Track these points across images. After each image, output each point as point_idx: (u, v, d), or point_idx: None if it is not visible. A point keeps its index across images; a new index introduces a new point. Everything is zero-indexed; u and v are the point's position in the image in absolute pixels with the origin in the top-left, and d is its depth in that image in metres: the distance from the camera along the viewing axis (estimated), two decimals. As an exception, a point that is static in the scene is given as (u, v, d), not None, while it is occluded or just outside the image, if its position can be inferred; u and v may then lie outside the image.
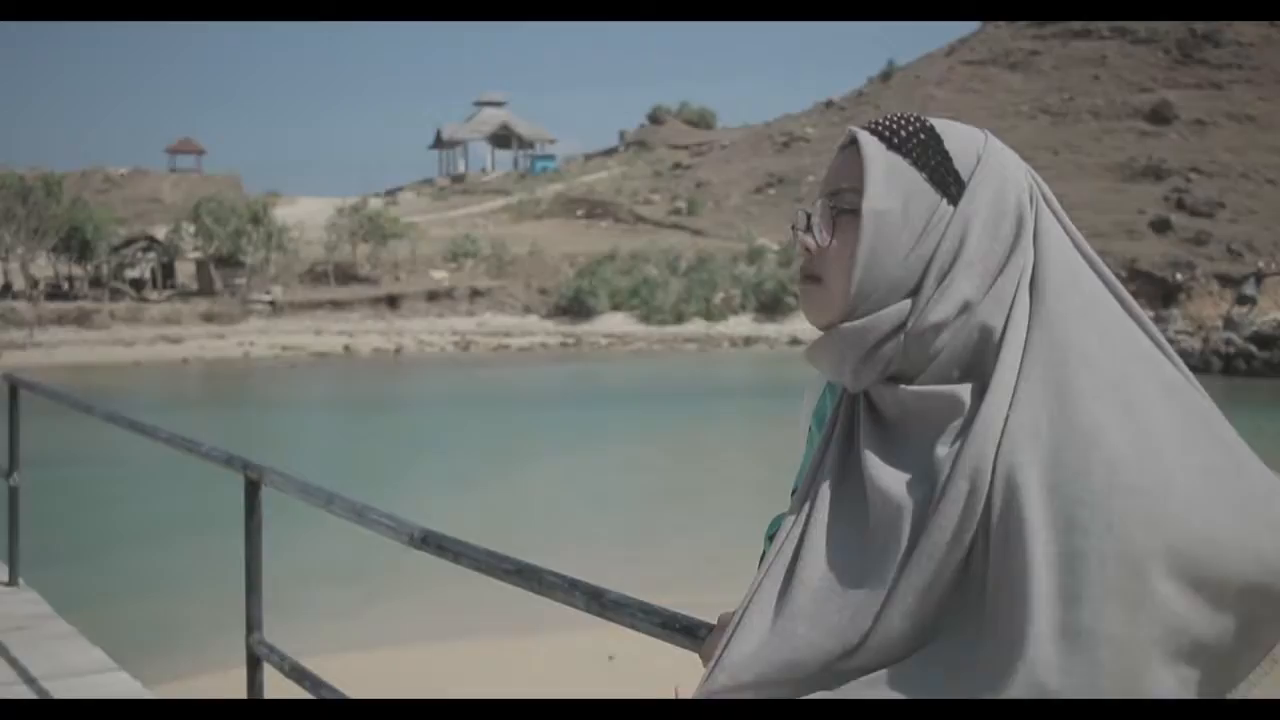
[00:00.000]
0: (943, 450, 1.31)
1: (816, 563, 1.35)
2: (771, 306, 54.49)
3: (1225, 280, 52.47)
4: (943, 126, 1.47)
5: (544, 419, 28.46)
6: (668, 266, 57.74)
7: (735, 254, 59.65)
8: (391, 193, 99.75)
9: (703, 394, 33.31)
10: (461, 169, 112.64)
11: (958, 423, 1.33)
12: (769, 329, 52.46)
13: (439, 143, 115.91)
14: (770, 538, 1.55)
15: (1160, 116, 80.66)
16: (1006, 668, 1.20)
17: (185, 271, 59.38)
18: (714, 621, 1.97)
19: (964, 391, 1.34)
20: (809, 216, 1.48)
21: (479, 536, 2.86)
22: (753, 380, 38.45)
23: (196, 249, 58.76)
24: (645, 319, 54.14)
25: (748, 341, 50.58)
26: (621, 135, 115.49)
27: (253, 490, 3.72)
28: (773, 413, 28.97)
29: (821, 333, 1.49)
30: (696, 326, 53.50)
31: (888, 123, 1.47)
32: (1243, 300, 41.35)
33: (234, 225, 57.11)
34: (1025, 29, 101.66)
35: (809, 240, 1.46)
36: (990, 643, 1.23)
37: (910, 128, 1.45)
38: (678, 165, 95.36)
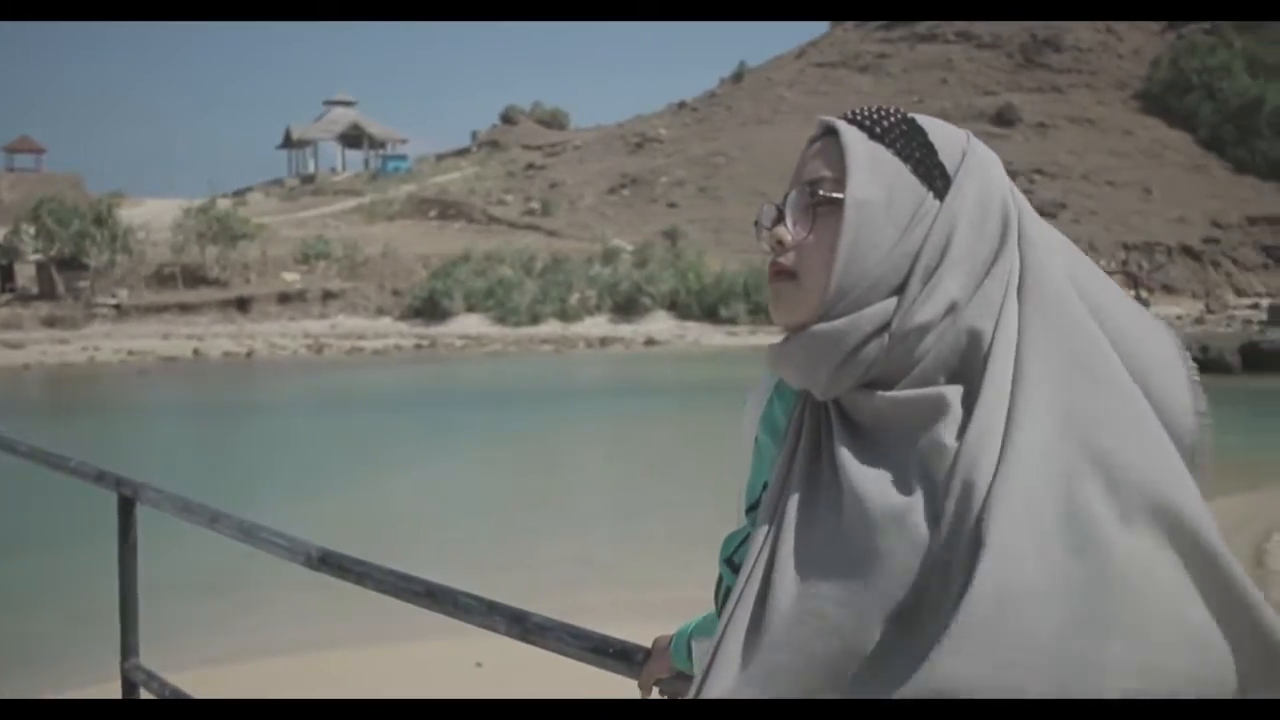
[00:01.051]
0: (930, 463, 1.23)
1: (790, 586, 1.25)
2: (627, 307, 54.59)
3: (1068, 279, 53.79)
4: (924, 120, 1.40)
5: (400, 422, 28.17)
6: (522, 267, 57.52)
7: (590, 255, 59.66)
8: (240, 193, 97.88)
9: (560, 395, 33.26)
10: (311, 169, 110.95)
11: (946, 433, 1.24)
12: (625, 329, 52.54)
13: (288, 142, 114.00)
14: (727, 561, 1.45)
15: (1004, 119, 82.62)
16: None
17: (25, 274, 57.49)
18: (648, 645, 1.92)
19: (953, 396, 1.26)
20: (779, 209, 1.40)
21: (336, 542, 2.76)
22: (610, 381, 38.50)
23: (37, 251, 56.97)
24: (501, 320, 53.86)
25: (604, 342, 50.56)
26: (474, 135, 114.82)
27: (126, 509, 3.47)
28: (631, 413, 29.09)
29: (784, 335, 1.40)
30: (552, 327, 53.37)
31: (866, 113, 1.40)
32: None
33: (77, 226, 55.47)
34: (874, 32, 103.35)
35: (782, 233, 1.37)
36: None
37: (891, 118, 1.39)
38: (531, 166, 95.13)
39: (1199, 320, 53.14)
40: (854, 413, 1.32)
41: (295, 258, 59.52)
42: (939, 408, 1.25)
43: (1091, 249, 59.33)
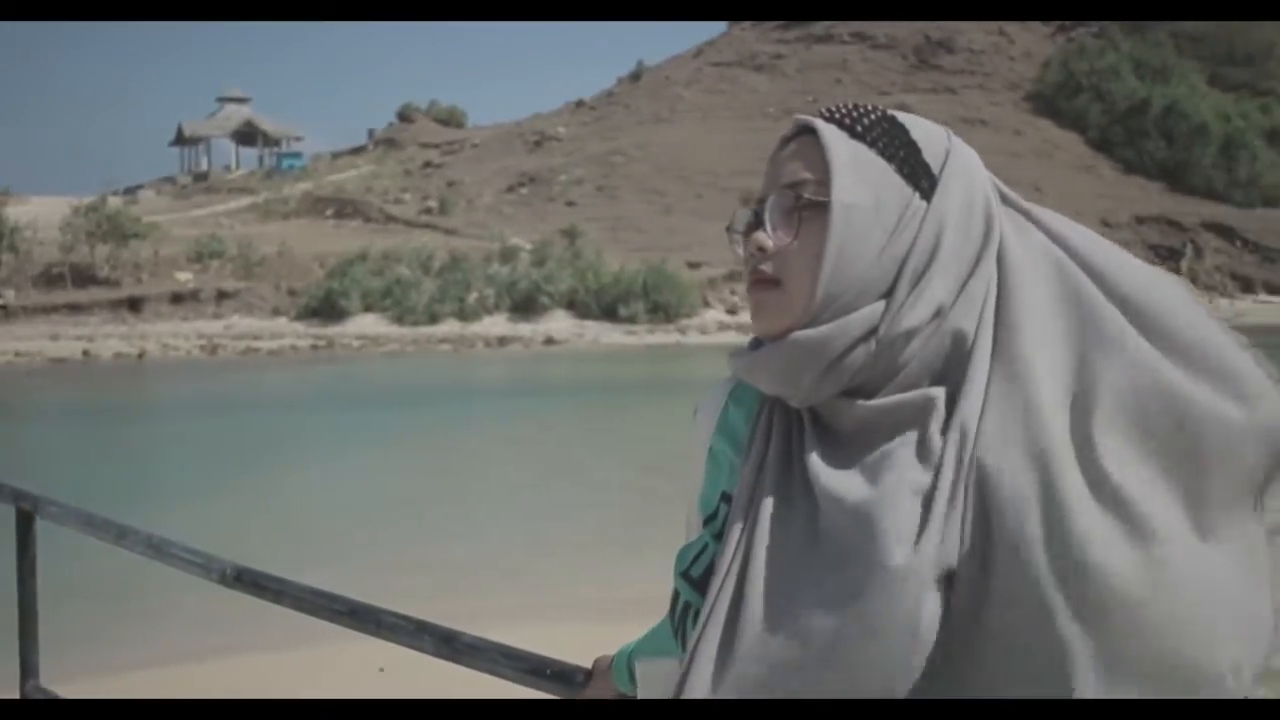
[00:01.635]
0: (917, 465, 1.19)
1: (765, 598, 1.21)
2: (525, 306, 54.39)
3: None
4: (904, 116, 1.35)
5: (298, 424, 27.82)
6: (420, 267, 57.09)
7: (488, 253, 59.38)
8: (131, 191, 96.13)
9: (460, 395, 33.05)
10: (205, 167, 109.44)
11: (932, 435, 1.21)
12: (524, 329, 52.35)
13: (180, 139, 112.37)
14: (683, 574, 1.38)
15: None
16: (1045, 677, 1.12)
17: (-94, 274, 56.17)
18: (588, 665, 1.84)
19: (938, 398, 1.23)
20: (757, 213, 1.34)
21: (234, 547, 2.70)
22: (510, 380, 38.38)
23: (-82, 250, 55.64)
24: (398, 320, 53.42)
25: (502, 341, 50.35)
26: (370, 133, 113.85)
27: (25, 523, 3.31)
28: (531, 413, 29.01)
29: (753, 341, 1.37)
30: (450, 327, 53.03)
31: (844, 111, 1.35)
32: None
33: (-40, 225, 54.31)
34: (770, 32, 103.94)
35: (763, 239, 1.32)
36: (1010, 654, 1.14)
37: (871, 116, 1.34)
38: (428, 164, 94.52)
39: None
40: (831, 420, 1.29)
41: (188, 257, 58.56)
42: (925, 410, 1.23)
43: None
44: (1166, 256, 63.24)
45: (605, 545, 13.78)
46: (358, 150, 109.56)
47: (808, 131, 1.34)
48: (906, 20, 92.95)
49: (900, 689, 1.15)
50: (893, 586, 1.14)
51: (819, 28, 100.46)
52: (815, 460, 1.26)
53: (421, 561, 13.18)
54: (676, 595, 1.39)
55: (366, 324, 53.17)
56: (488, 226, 67.86)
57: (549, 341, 49.75)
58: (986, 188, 1.33)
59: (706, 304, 54.81)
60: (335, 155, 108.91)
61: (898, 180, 1.29)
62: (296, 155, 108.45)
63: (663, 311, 52.53)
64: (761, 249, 1.32)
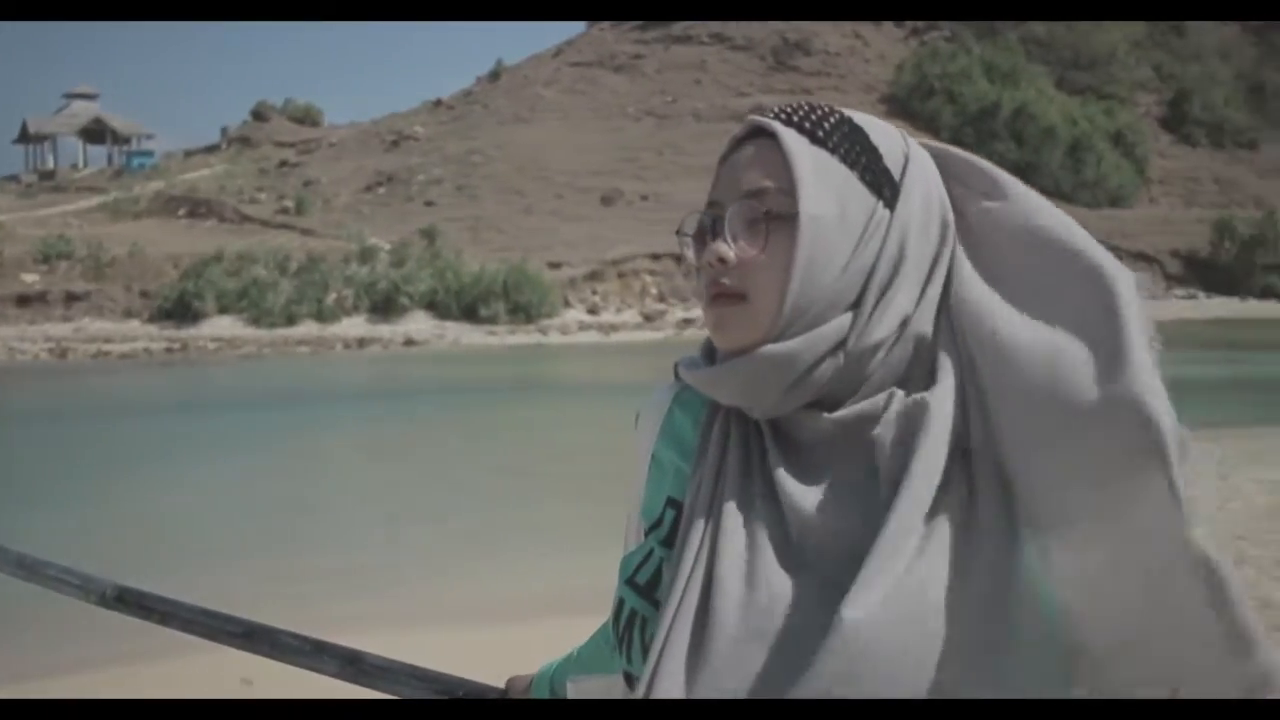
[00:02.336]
0: (885, 466, 1.18)
1: (735, 606, 1.17)
2: (385, 307, 53.84)
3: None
4: (861, 118, 1.33)
5: (152, 428, 27.24)
6: (277, 267, 56.19)
7: (346, 254, 58.66)
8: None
9: (319, 398, 32.62)
10: (51, 165, 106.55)
11: (899, 440, 1.19)
12: (383, 330, 51.81)
13: (24, 137, 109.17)
14: (628, 582, 1.35)
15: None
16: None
17: None
18: (501, 686, 1.79)
19: (901, 406, 1.21)
20: (714, 221, 1.31)
21: (91, 562, 2.59)
22: (370, 382, 37.97)
23: None
24: (255, 321, 52.52)
25: (362, 343, 49.75)
26: (224, 132, 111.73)
27: None
28: (393, 415, 28.72)
29: (706, 351, 1.35)
30: (308, 329, 52.28)
31: (802, 114, 1.31)
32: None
33: None
34: (629, 33, 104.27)
35: (725, 250, 1.27)
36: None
37: (830, 119, 1.31)
38: (284, 163, 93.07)
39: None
40: (792, 430, 1.27)
41: (35, 258, 56.94)
42: (891, 418, 1.21)
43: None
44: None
45: (472, 549, 13.70)
46: (211, 149, 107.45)
47: (763, 134, 1.31)
48: (826, 20, 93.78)
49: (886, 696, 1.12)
50: (871, 600, 1.11)
51: (678, 28, 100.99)
52: (779, 470, 1.24)
53: (292, 569, 12.96)
54: (621, 603, 1.35)
55: (222, 326, 52.19)
56: (345, 226, 67.01)
57: (409, 343, 49.30)
58: (941, 189, 1.32)
59: (567, 304, 54.77)
60: (188, 154, 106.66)
61: (861, 189, 1.27)
62: (147, 153, 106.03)
63: (524, 312, 52.37)
64: (722, 260, 1.28)
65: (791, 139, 1.27)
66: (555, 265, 56.24)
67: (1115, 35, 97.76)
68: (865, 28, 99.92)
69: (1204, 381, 28.82)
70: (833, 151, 1.27)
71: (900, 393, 1.23)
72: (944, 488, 1.17)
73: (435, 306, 53.92)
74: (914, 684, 1.11)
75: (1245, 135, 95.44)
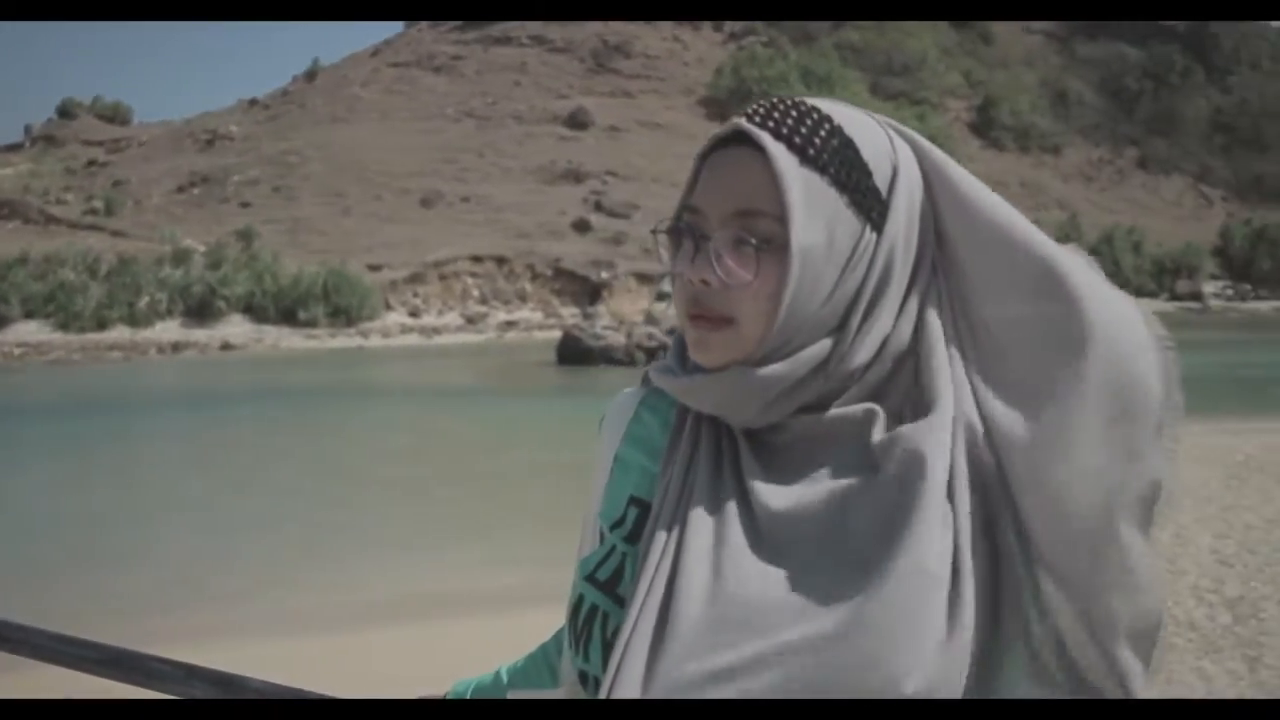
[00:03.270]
0: (859, 474, 1.20)
1: (701, 600, 1.18)
2: (200, 310, 52.61)
3: (643, 278, 55.74)
4: (852, 126, 1.29)
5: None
6: (86, 270, 54.46)
7: (160, 256, 57.18)
8: None
9: (133, 405, 31.74)
10: None
11: (872, 444, 1.21)
12: (199, 334, 50.61)
13: None
14: (588, 578, 1.35)
15: (578, 122, 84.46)
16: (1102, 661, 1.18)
17: None
18: (366, 697, 1.71)
19: (878, 412, 1.23)
20: (694, 232, 1.28)
21: None
22: (186, 389, 37.09)
23: None
24: (63, 326, 50.84)
25: (177, 348, 48.53)
26: (27, 130, 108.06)
27: None
28: (211, 422, 28.09)
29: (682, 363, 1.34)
30: (120, 333, 50.80)
31: (792, 123, 1.26)
32: (661, 297, 43.99)
33: None
34: (448, 33, 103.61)
35: (708, 274, 1.25)
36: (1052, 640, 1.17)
37: (822, 132, 1.26)
38: (92, 163, 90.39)
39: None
40: (766, 433, 1.29)
41: None
42: (865, 422, 1.24)
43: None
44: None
45: (295, 557, 13.48)
46: (13, 148, 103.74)
47: (751, 142, 1.26)
48: (642, 20, 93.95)
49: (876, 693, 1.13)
50: (851, 593, 1.14)
51: (497, 29, 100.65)
52: (750, 469, 1.26)
53: (96, 583, 12.60)
54: (580, 599, 1.35)
55: (28, 331, 50.43)
56: (158, 228, 65.32)
57: (226, 347, 48.25)
58: (919, 189, 1.30)
59: (388, 307, 54.19)
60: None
61: (850, 214, 1.25)
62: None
63: (344, 315, 51.69)
64: (706, 283, 1.26)
65: (783, 159, 1.24)
66: (375, 268, 55.60)
67: (926, 43, 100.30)
68: (684, 31, 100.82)
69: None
70: (823, 173, 1.25)
71: (880, 413, 1.24)
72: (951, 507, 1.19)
73: (253, 310, 52.89)
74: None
75: (1049, 140, 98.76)
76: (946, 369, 1.25)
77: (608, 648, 1.27)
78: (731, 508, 1.24)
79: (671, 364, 1.38)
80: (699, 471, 1.29)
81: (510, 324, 50.87)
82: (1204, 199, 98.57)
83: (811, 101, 1.30)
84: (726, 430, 1.31)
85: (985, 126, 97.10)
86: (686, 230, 1.30)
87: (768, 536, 1.21)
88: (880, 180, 1.27)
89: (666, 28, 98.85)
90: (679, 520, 1.25)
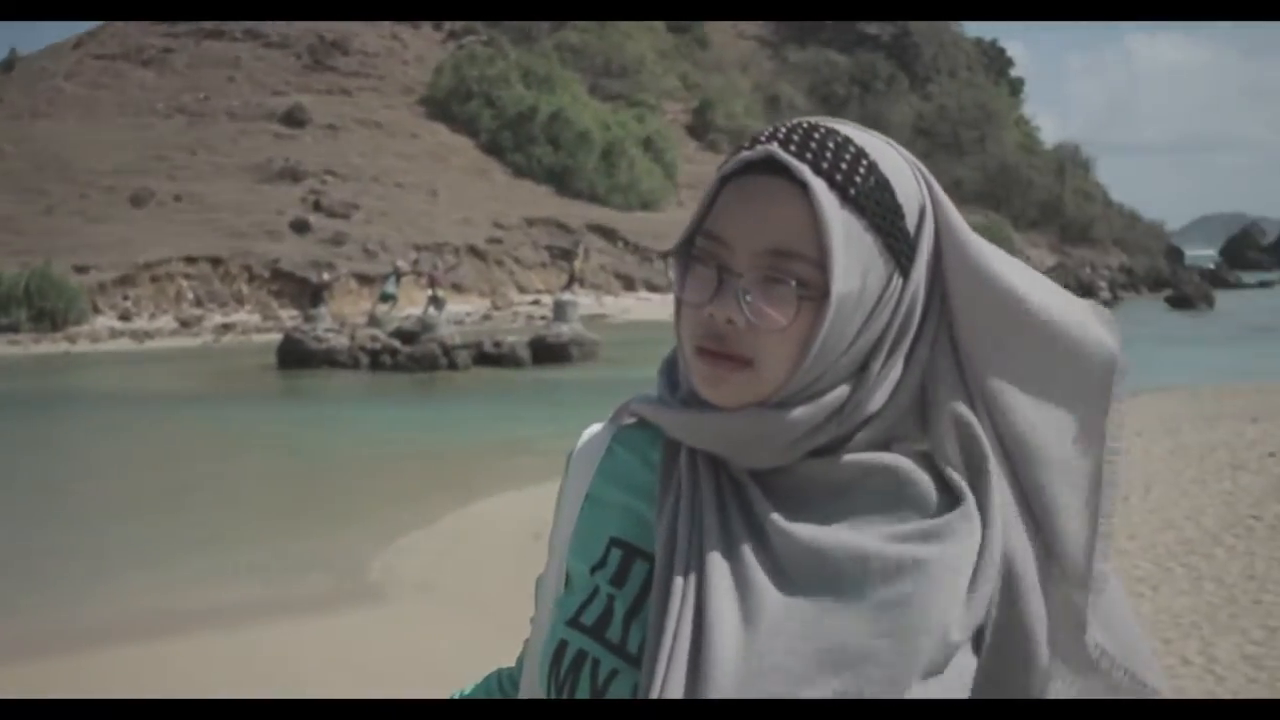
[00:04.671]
0: (885, 517, 1.20)
1: (731, 647, 1.14)
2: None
3: (364, 279, 54.99)
4: (886, 163, 1.24)
5: None
6: None
7: None
8: None
9: None
10: None
11: (894, 487, 1.22)
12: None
13: None
14: (572, 624, 1.31)
15: (295, 120, 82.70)
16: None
17: None
18: None
19: (898, 460, 1.23)
20: (717, 263, 1.22)
21: None
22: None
23: None
24: None
25: None
26: None
27: None
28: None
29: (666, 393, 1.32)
30: None
31: (831, 158, 1.21)
32: (384, 298, 43.48)
33: None
34: (156, 25, 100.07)
35: (735, 314, 1.20)
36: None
37: (861, 169, 1.22)
38: None
39: (486, 316, 55.64)
40: (772, 475, 1.25)
41: None
42: (879, 463, 1.23)
43: (384, 249, 60.63)
44: (559, 256, 66.32)
45: (5, 578, 12.81)
46: None
47: (782, 172, 1.20)
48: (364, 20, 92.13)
49: None
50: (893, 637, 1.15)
51: (209, 23, 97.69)
52: (766, 513, 1.21)
53: None
54: (563, 646, 1.30)
55: None
56: None
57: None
58: (934, 232, 1.27)
59: (97, 310, 51.93)
60: None
61: (882, 259, 1.21)
62: None
63: (49, 319, 49.26)
64: (731, 321, 1.21)
65: (825, 200, 1.18)
66: (82, 269, 53.23)
67: (644, 45, 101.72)
68: (403, 29, 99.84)
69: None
70: (862, 215, 1.20)
71: (901, 463, 1.24)
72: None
73: (-52, 314, 50.04)
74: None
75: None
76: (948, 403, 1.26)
77: (599, 694, 1.24)
78: (748, 550, 1.20)
79: (664, 396, 1.33)
80: (705, 512, 1.23)
81: (227, 327, 49.35)
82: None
83: (844, 131, 1.25)
84: (725, 470, 1.27)
85: (702, 129, 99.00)
86: (706, 259, 1.24)
87: (791, 580, 1.18)
88: (910, 223, 1.24)
89: (385, 25, 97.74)
90: (694, 565, 1.20)
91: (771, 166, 1.21)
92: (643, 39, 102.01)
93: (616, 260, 71.77)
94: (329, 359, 34.21)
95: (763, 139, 1.24)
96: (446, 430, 22.01)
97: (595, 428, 1.44)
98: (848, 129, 1.24)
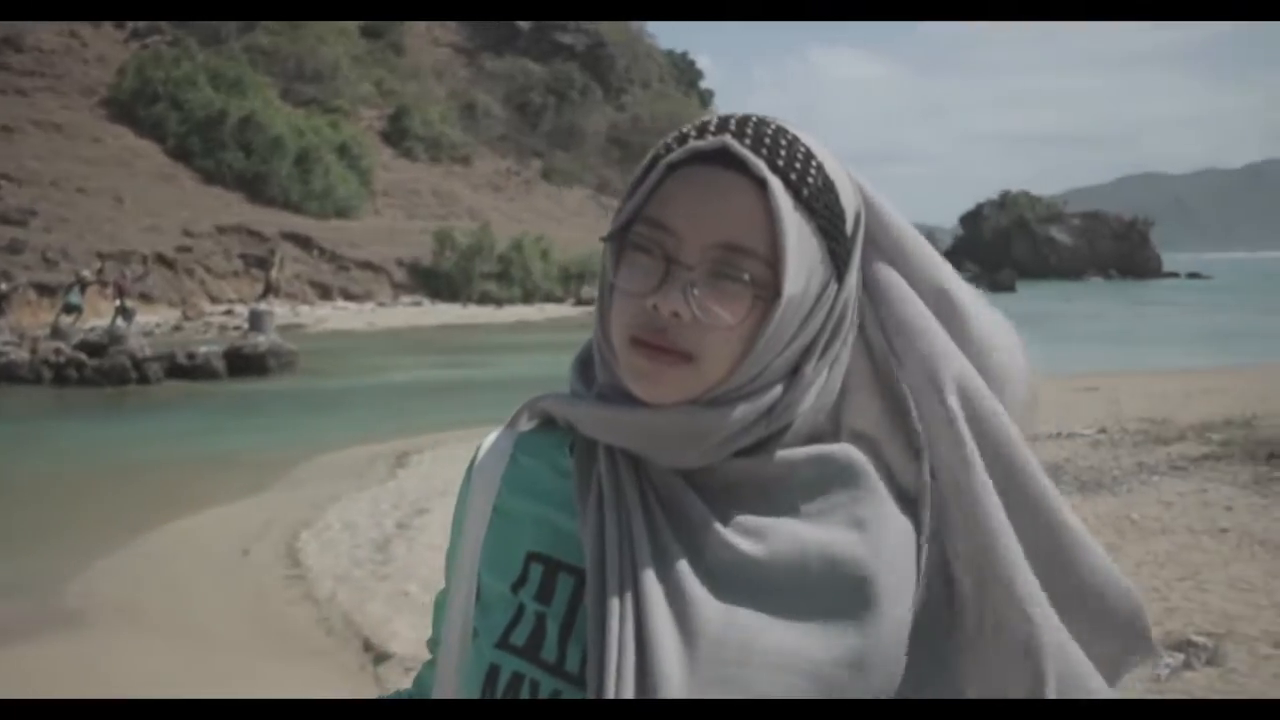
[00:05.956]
0: (818, 512, 1.20)
1: (675, 661, 1.12)
2: None
3: (44, 289, 52.44)
4: (829, 165, 1.22)
5: None
6: None
7: None
8: None
9: None
10: None
11: (822, 485, 1.21)
12: None
13: None
14: (501, 646, 1.25)
15: (-37, 121, 78.39)
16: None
17: None
18: None
19: (829, 455, 1.22)
20: (662, 251, 1.17)
21: None
22: None
23: None
24: None
25: None
26: None
27: None
28: None
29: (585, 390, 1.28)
30: None
31: (786, 155, 1.18)
32: (69, 309, 41.43)
33: None
34: None
35: (681, 307, 1.15)
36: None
37: (812, 170, 1.19)
38: None
39: (177, 327, 53.30)
40: (699, 475, 1.21)
41: None
42: (820, 464, 1.22)
43: (66, 257, 57.88)
44: (253, 265, 64.72)
45: None
46: None
47: (735, 165, 1.17)
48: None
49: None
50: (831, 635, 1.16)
51: None
52: (700, 515, 1.19)
53: None
54: (495, 670, 1.23)
55: None
56: None
57: None
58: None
59: None
60: None
61: (823, 264, 1.20)
62: None
63: None
64: (677, 315, 1.16)
65: (782, 199, 1.15)
66: None
67: (338, 50, 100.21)
68: (83, 28, 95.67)
69: (437, 384, 30.42)
70: (812, 216, 1.18)
71: (834, 457, 1.23)
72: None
73: None
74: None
75: (459, 151, 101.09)
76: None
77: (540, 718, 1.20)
78: (681, 559, 1.17)
79: (579, 391, 1.29)
80: (632, 520, 1.19)
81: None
82: (603, 209, 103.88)
83: (789, 128, 1.22)
84: (647, 471, 1.22)
85: (398, 136, 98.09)
86: (651, 247, 1.19)
87: (727, 587, 1.16)
88: (849, 227, 1.23)
89: (63, 23, 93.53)
90: (627, 578, 1.16)
91: (724, 159, 1.18)
92: (336, 43, 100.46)
93: (312, 269, 70.37)
94: (8, 374, 32.43)
95: (712, 130, 1.21)
96: (142, 446, 21.19)
97: (492, 436, 1.38)
98: (790, 126, 1.22)
